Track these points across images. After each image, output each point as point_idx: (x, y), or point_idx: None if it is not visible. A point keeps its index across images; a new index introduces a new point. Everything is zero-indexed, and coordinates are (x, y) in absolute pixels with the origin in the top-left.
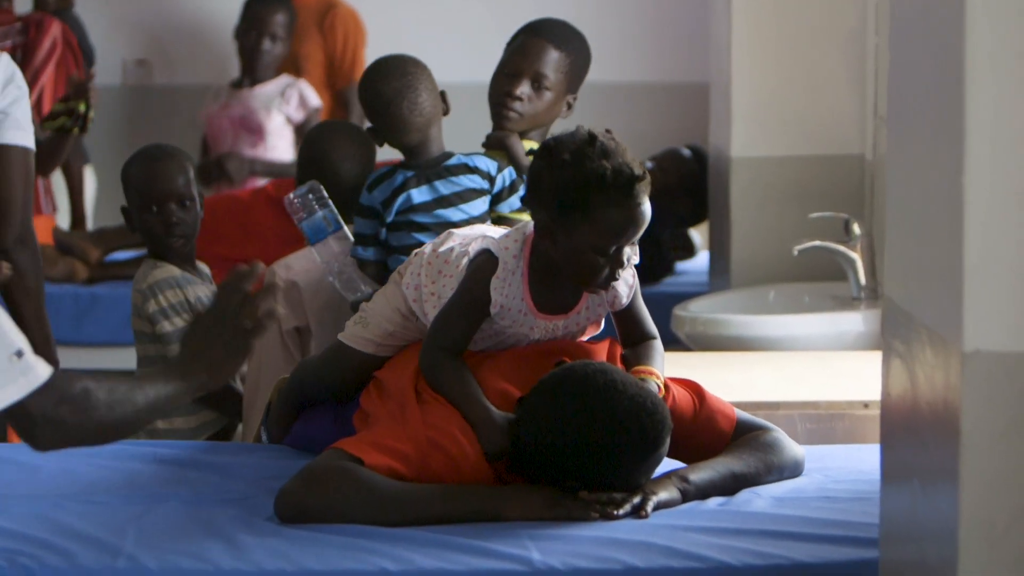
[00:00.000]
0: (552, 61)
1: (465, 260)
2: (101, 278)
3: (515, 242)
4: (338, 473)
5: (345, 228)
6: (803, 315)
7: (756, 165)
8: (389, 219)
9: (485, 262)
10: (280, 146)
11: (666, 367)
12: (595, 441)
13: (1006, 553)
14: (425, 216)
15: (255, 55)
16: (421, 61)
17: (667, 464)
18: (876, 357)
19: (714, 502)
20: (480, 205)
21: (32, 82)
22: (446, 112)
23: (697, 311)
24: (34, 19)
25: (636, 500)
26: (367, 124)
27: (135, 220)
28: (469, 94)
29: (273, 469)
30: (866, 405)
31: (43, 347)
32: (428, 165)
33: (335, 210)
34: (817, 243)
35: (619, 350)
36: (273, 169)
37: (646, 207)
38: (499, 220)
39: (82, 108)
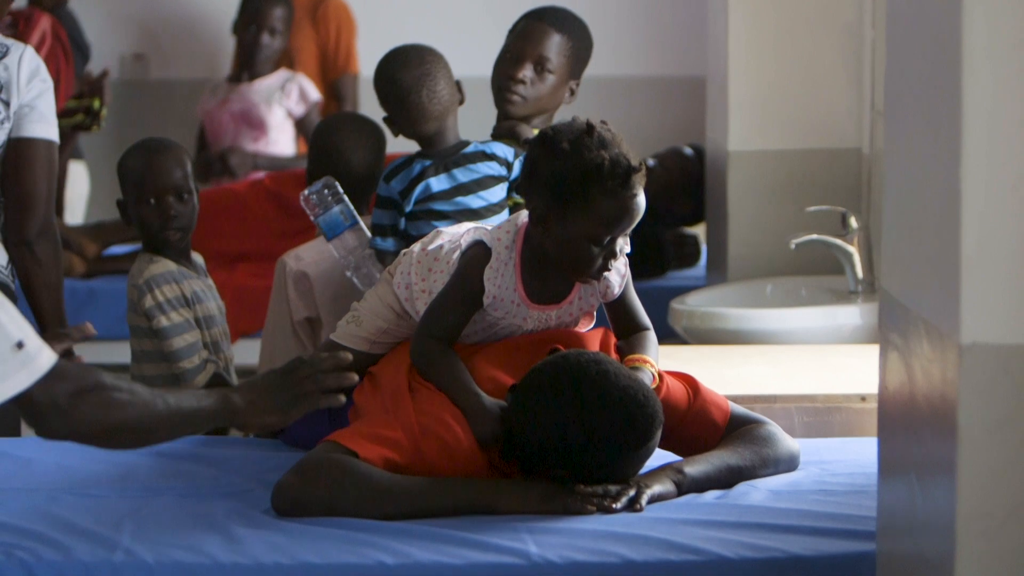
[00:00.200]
0: (554, 44)
1: (456, 255)
2: (98, 272)
3: (507, 233)
4: (333, 466)
5: (361, 222)
6: (800, 309)
7: (753, 159)
8: (408, 209)
9: (478, 253)
10: (281, 140)
11: (663, 361)
12: (585, 432)
13: (1003, 545)
14: (444, 204)
15: (254, 49)
16: (437, 50)
17: (660, 456)
18: (873, 350)
19: (711, 495)
20: (499, 192)
21: None
22: (462, 101)
23: (694, 305)
24: (23, 13)
25: (631, 493)
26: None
27: (132, 213)
28: (467, 88)
29: (270, 462)
30: (863, 398)
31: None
32: (446, 153)
33: (350, 204)
34: (814, 237)
35: (613, 339)
36: (275, 163)
37: (641, 199)
38: (517, 206)
39: (96, 105)
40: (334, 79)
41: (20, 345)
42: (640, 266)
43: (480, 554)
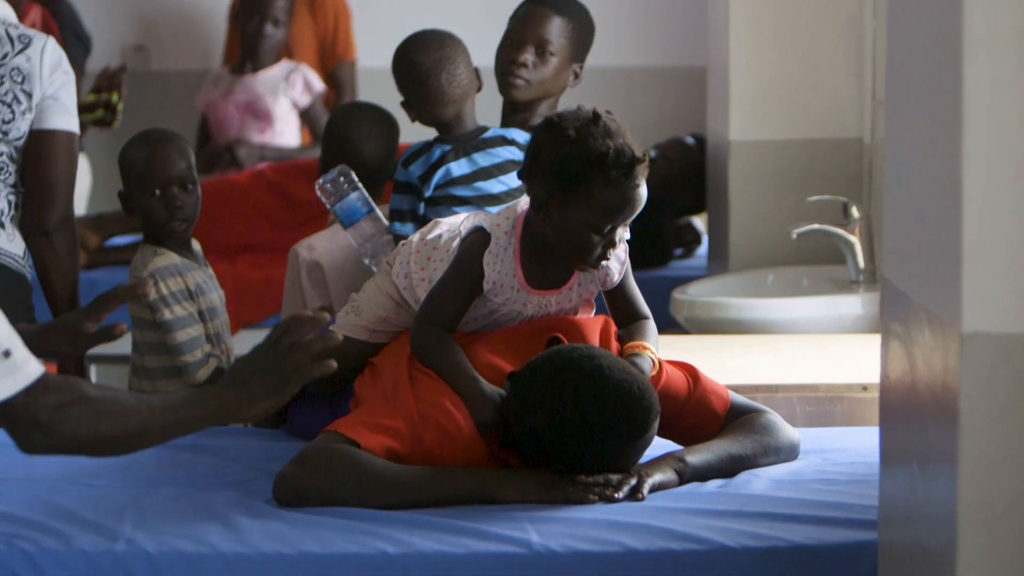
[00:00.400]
0: (555, 27)
1: (455, 243)
2: (100, 263)
3: (507, 219)
4: (334, 456)
5: (377, 210)
6: (802, 298)
7: (754, 149)
8: (428, 194)
9: (478, 238)
10: (287, 131)
11: (664, 351)
12: (582, 428)
13: (1005, 535)
14: (465, 189)
15: (258, 40)
16: (456, 35)
17: (661, 445)
18: (875, 340)
19: (713, 484)
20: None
21: None
22: (479, 88)
23: (696, 294)
24: (12, 3)
25: (633, 482)
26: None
27: (135, 204)
28: None
29: (271, 452)
30: (865, 388)
31: None
32: (465, 138)
33: (366, 192)
34: (816, 226)
35: (613, 327)
36: (282, 155)
37: (643, 190)
38: None
39: (115, 99)
40: (332, 67)
41: (7, 354)
42: (641, 256)
43: (482, 543)
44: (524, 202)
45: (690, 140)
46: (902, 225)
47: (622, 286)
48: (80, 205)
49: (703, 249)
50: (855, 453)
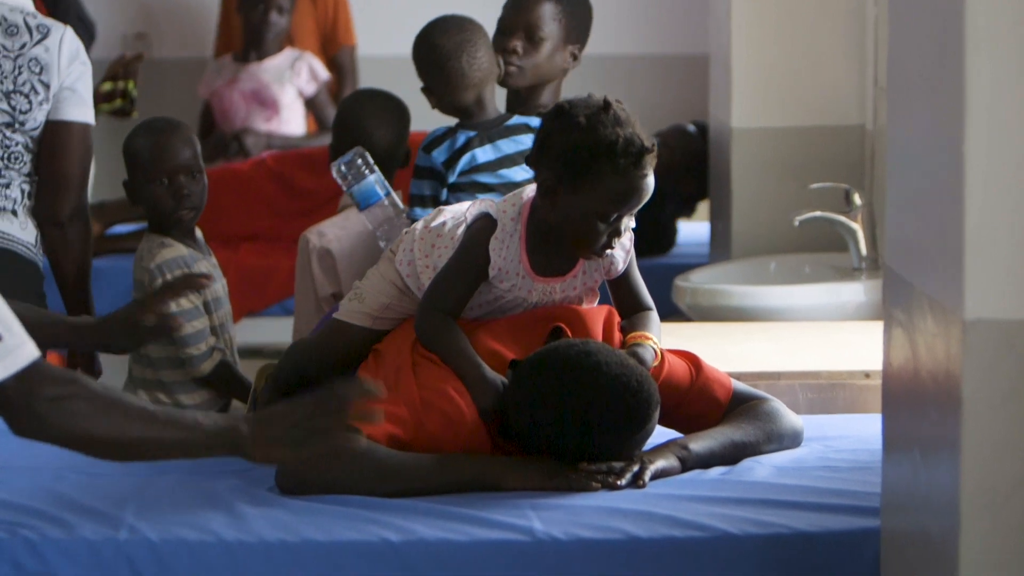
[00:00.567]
0: (544, 11)
1: (460, 230)
2: (101, 251)
3: (513, 206)
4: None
5: (394, 193)
6: (804, 285)
7: (756, 136)
8: (452, 179)
9: (484, 224)
10: (293, 120)
11: (667, 338)
12: (582, 423)
13: (1007, 521)
14: (489, 176)
15: (263, 28)
16: (476, 20)
17: (664, 434)
18: (877, 327)
19: (715, 471)
20: None
21: None
22: (500, 75)
23: (698, 282)
24: None
25: (635, 469)
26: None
27: (142, 193)
28: None
29: None
30: (867, 375)
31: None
32: (489, 125)
33: (382, 175)
34: (818, 214)
35: (617, 318)
36: (289, 143)
37: (651, 180)
38: None
39: (131, 87)
40: (334, 53)
41: None
42: (643, 244)
43: (484, 531)
44: (530, 189)
45: (691, 128)
46: (904, 212)
47: (626, 276)
48: None
49: (705, 237)
50: (857, 440)
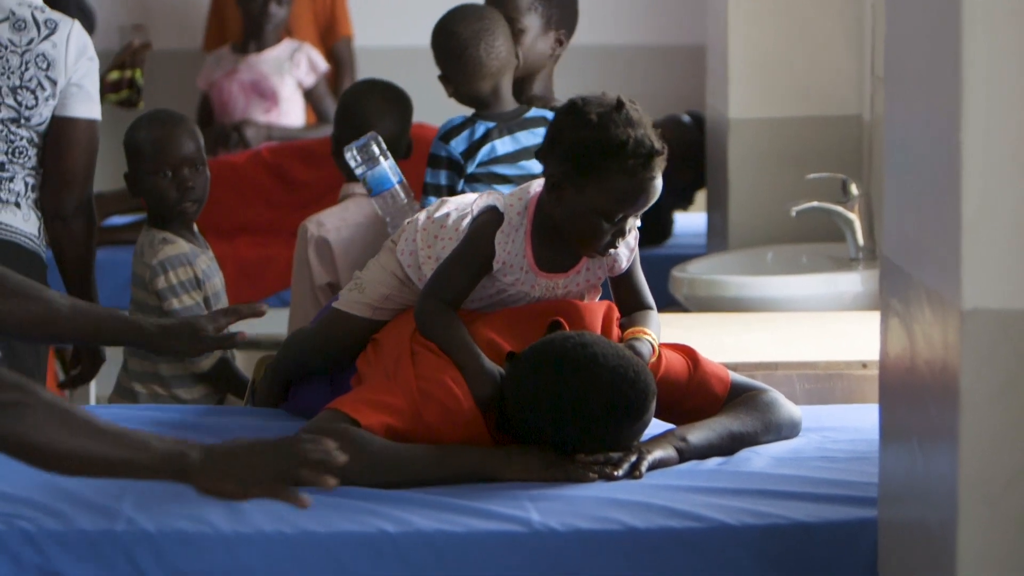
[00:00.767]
0: (519, 2)
1: (465, 222)
2: (98, 243)
3: (519, 200)
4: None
5: (405, 181)
6: (801, 276)
7: (753, 127)
8: (470, 170)
9: (491, 217)
10: (293, 111)
11: (665, 329)
12: (579, 415)
13: (1005, 511)
14: (508, 168)
15: (263, 20)
16: (496, 10)
17: (661, 426)
18: (874, 317)
19: (713, 462)
20: None
21: None
22: (518, 66)
23: (695, 272)
24: None
25: (632, 459)
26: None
27: (144, 185)
28: None
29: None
30: (864, 365)
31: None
32: (507, 116)
33: (394, 162)
34: (815, 204)
35: (616, 313)
36: (289, 134)
37: (659, 182)
38: None
39: (138, 76)
40: (332, 45)
41: None
42: (639, 235)
43: (482, 522)
44: (537, 184)
45: (686, 118)
46: (901, 202)
47: (629, 274)
48: None
49: (702, 227)
50: (855, 430)
